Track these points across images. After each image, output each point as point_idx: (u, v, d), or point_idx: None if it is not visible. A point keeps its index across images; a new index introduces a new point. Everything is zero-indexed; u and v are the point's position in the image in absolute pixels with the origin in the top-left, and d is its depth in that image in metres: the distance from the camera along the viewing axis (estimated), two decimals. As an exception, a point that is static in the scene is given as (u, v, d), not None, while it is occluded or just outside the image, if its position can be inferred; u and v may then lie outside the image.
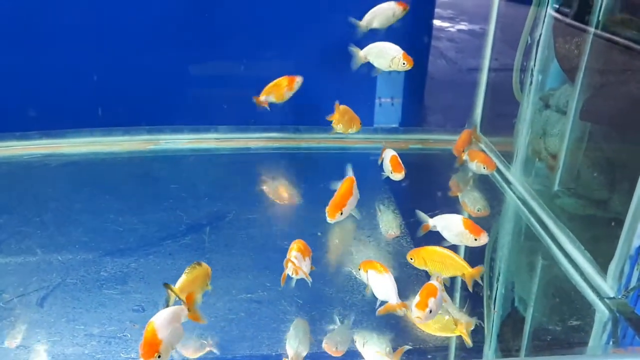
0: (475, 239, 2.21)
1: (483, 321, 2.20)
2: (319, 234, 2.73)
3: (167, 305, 1.90)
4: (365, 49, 2.64)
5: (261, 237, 2.65)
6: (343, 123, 2.82)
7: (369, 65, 2.69)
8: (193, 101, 3.72)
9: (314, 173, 3.42)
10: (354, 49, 2.64)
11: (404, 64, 2.51)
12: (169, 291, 1.90)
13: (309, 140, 3.73)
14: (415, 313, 1.77)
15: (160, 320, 1.70)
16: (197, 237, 2.68)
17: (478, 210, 2.81)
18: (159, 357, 1.64)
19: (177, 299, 1.91)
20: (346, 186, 2.44)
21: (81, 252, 2.52)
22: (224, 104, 3.70)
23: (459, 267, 2.06)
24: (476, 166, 2.93)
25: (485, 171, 2.93)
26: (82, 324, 2.10)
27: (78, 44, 3.37)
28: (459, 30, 5.84)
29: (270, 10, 3.51)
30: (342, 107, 2.85)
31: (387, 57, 2.55)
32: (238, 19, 3.50)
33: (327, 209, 2.36)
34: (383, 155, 2.80)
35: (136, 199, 3.03)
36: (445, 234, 2.28)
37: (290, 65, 3.72)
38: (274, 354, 2.02)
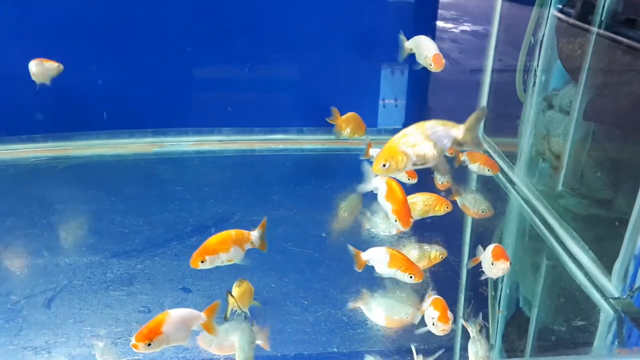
0: (410, 277, 2.11)
1: (488, 322, 2.21)
2: (324, 234, 2.75)
3: (227, 316, 1.99)
4: (410, 40, 2.51)
5: (266, 239, 2.65)
6: (350, 128, 2.84)
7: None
8: (197, 104, 3.74)
9: (318, 174, 3.43)
10: (402, 37, 2.54)
11: (430, 65, 2.42)
12: (230, 298, 1.95)
13: (313, 142, 3.75)
14: (440, 327, 1.93)
15: (175, 316, 1.70)
16: (202, 238, 2.64)
17: (482, 212, 2.80)
18: (149, 345, 1.63)
19: (236, 307, 2.00)
20: (401, 193, 2.18)
21: (87, 254, 2.54)
22: (228, 107, 3.71)
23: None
24: (478, 168, 2.90)
25: (489, 173, 2.91)
26: (88, 325, 2.11)
27: (83, 47, 3.40)
28: (462, 32, 5.84)
29: (274, 12, 3.52)
30: (351, 113, 2.85)
31: (422, 53, 2.43)
32: (242, 21, 3.51)
33: (399, 219, 2.11)
34: (371, 153, 2.69)
35: (141, 200, 3.05)
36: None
37: (295, 67, 3.75)
38: (279, 354, 2.03)
